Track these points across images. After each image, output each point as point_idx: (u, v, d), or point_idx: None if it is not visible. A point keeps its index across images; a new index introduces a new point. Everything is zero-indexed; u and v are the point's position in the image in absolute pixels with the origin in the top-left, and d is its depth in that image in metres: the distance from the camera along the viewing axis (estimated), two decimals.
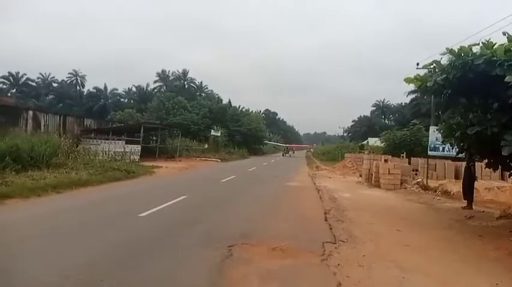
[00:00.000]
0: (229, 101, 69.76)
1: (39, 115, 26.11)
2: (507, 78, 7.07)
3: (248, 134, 64.07)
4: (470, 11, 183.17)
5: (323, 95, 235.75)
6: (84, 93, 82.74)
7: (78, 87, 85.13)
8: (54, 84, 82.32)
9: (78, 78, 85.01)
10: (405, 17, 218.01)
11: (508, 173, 11.02)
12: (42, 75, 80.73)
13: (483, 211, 12.24)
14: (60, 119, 27.91)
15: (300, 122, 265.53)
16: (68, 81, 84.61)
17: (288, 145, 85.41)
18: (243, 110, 72.06)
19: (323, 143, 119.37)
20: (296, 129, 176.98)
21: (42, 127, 25.29)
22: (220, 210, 11.37)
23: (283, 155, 70.30)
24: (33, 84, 77.80)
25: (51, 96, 78.48)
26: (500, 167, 10.77)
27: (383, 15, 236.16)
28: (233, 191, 16.06)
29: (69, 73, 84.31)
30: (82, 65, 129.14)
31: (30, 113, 25.52)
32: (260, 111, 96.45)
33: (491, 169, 11.28)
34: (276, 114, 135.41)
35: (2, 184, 11.90)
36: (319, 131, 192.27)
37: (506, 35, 8.09)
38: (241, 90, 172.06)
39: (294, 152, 78.31)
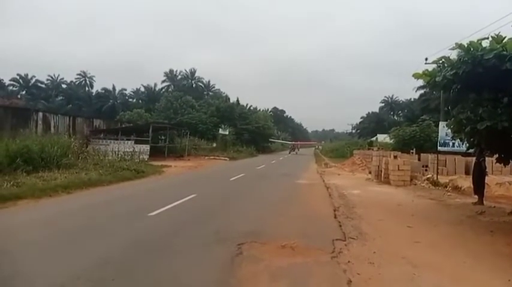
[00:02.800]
0: (237, 100, 69.78)
1: (49, 116, 26.34)
2: None
3: (256, 132, 64.07)
4: (474, 8, 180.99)
5: (331, 92, 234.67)
6: (93, 94, 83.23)
7: (87, 88, 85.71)
8: (63, 86, 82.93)
9: (87, 79, 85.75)
10: (411, 15, 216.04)
11: None
12: (51, 77, 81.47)
13: (494, 207, 12.13)
14: (69, 120, 28.15)
15: (308, 119, 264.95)
16: (77, 83, 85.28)
17: (294, 142, 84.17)
18: (251, 108, 72.14)
19: (331, 140, 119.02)
20: (304, 127, 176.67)
21: (52, 128, 25.53)
22: (230, 208, 11.40)
23: (289, 152, 69.87)
24: (43, 86, 78.52)
25: (60, 98, 79.08)
26: (511, 161, 10.67)
27: (390, 14, 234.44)
28: (242, 190, 16.09)
29: (77, 74, 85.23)
30: (90, 66, 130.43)
31: (40, 114, 25.77)
32: (268, 109, 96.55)
33: (502, 164, 11.18)
34: (284, 112, 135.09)
35: (14, 185, 12.03)
36: (327, 128, 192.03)
37: None
38: (249, 88, 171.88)
39: (299, 150, 76.78)
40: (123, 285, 5.04)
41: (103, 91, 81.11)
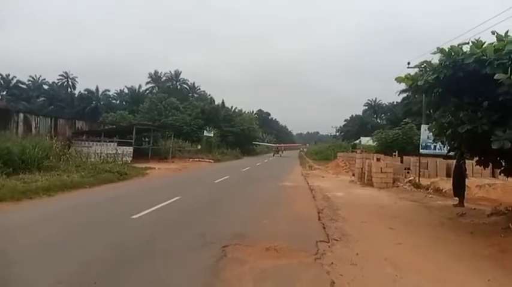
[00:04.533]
0: (223, 102, 69.78)
1: (30, 118, 25.92)
2: (497, 76, 7.14)
3: (241, 134, 63.98)
4: (451, 14, 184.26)
5: (316, 95, 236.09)
6: (76, 95, 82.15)
7: (69, 89, 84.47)
8: (45, 87, 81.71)
9: (69, 80, 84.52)
10: (394, 20, 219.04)
11: (499, 170, 11.12)
12: (33, 78, 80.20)
13: (474, 209, 12.34)
14: (51, 122, 27.72)
15: (292, 122, 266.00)
16: (59, 83, 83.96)
17: (277, 145, 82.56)
18: (236, 110, 72.07)
19: (316, 143, 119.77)
20: (289, 129, 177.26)
21: (33, 130, 25.12)
22: (214, 211, 11.36)
23: (273, 155, 69.17)
24: (24, 86, 77.21)
25: (42, 99, 77.84)
26: (490, 164, 10.89)
27: (374, 19, 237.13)
28: (227, 192, 16.05)
29: (59, 75, 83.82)
30: (73, 66, 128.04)
31: (21, 115, 25.33)
32: (253, 111, 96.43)
33: (482, 167, 11.40)
34: (269, 114, 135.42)
35: None
36: (311, 131, 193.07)
37: (496, 34, 8.17)
38: (234, 90, 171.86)
39: (283, 152, 75.23)
40: None
41: (86, 92, 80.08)
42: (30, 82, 79.52)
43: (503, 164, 10.07)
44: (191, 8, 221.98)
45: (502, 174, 10.99)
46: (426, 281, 5.62)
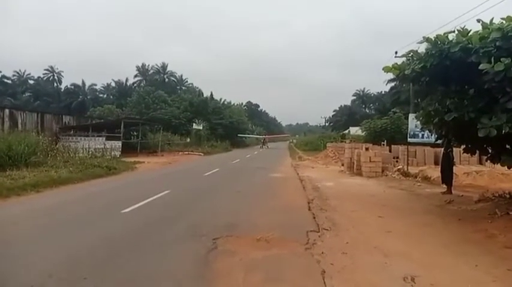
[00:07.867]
0: (211, 94, 69.36)
1: (16, 113, 25.58)
2: (481, 66, 7.21)
3: (230, 126, 63.81)
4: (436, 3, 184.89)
5: (304, 86, 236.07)
6: (62, 90, 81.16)
7: (55, 84, 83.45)
8: (31, 82, 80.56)
9: (55, 75, 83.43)
10: (377, 15, 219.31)
11: (486, 157, 11.26)
12: (18, 73, 79.05)
13: (462, 195, 12.49)
14: (37, 117, 27.39)
15: (282, 113, 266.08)
16: (45, 78, 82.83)
17: (264, 136, 77.95)
18: (225, 102, 71.78)
19: (305, 134, 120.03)
20: (278, 121, 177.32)
21: (19, 125, 24.83)
22: (204, 203, 11.35)
23: (261, 147, 65.63)
24: (9, 81, 75.86)
25: (27, 94, 76.77)
26: (477, 151, 11.01)
27: (359, 12, 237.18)
28: (217, 184, 16.04)
29: (45, 70, 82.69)
30: (58, 61, 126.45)
31: (7, 111, 24.99)
32: (242, 103, 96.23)
33: (469, 154, 11.53)
34: (258, 106, 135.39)
35: None
36: (301, 122, 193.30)
37: (481, 22, 8.22)
38: (222, 83, 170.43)
39: (268, 144, 70.12)
40: (96, 283, 4.94)
41: (72, 87, 79.15)
42: (15, 77, 78.36)
43: (490, 151, 10.21)
44: (179, 1, 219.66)
45: (489, 161, 11.12)
46: (415, 267, 5.68)
